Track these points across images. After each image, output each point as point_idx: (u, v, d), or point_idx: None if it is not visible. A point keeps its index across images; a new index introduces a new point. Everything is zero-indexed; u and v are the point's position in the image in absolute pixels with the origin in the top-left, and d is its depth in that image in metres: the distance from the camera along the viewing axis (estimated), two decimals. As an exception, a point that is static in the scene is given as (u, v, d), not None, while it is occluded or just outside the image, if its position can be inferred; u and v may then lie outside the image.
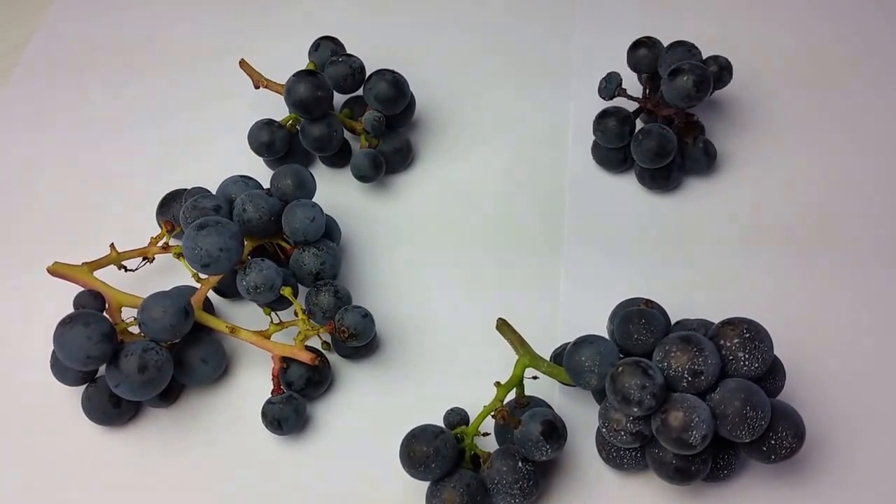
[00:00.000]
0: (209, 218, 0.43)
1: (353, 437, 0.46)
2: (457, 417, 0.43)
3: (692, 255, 0.51)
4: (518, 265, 0.52)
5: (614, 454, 0.42)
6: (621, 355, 0.41)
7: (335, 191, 0.56)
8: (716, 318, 0.41)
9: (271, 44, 0.64)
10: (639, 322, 0.40)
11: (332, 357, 0.48)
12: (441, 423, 0.43)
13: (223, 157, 0.57)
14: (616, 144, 0.52)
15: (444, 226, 0.54)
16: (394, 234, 0.54)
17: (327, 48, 0.56)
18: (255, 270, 0.44)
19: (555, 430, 0.40)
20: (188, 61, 0.64)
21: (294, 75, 0.51)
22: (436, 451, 0.39)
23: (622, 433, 0.39)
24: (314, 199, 0.49)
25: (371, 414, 0.46)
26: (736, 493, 0.43)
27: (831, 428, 0.44)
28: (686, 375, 0.37)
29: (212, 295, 0.50)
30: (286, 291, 0.44)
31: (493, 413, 0.41)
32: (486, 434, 0.43)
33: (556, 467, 0.44)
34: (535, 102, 0.59)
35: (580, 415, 0.45)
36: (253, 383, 0.47)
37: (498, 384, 0.42)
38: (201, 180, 0.51)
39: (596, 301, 0.46)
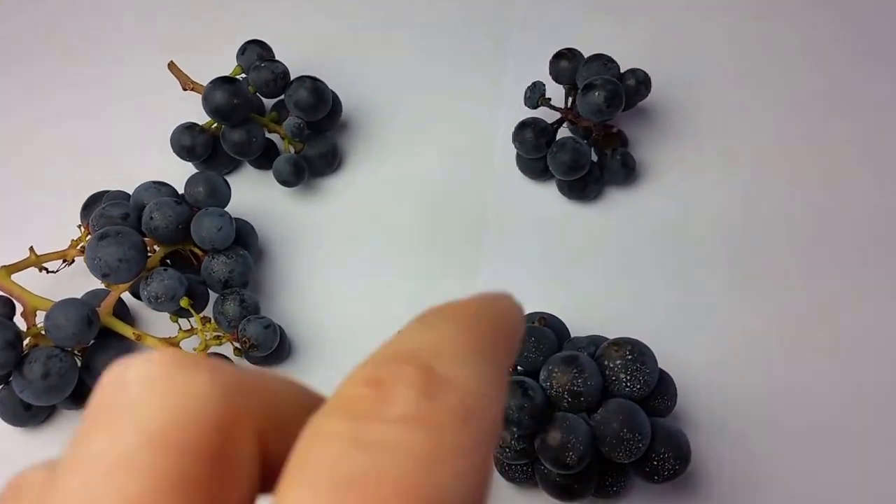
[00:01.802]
0: (110, 228, 0.44)
1: None
2: None
3: (607, 266, 0.52)
4: (437, 273, 0.52)
5: (507, 468, 0.43)
6: (520, 369, 0.42)
7: (261, 193, 0.57)
8: (624, 332, 0.42)
9: (207, 44, 0.64)
10: (528, 340, 0.41)
11: (242, 363, 0.49)
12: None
13: (156, 158, 0.57)
14: (534, 155, 0.53)
15: (366, 231, 0.54)
16: (317, 239, 0.54)
17: (254, 52, 0.56)
18: (157, 280, 0.45)
19: None
20: (125, 59, 0.65)
21: (211, 82, 0.52)
22: None
23: (507, 450, 0.40)
24: (230, 205, 0.50)
25: None
26: None
27: (727, 447, 0.45)
28: (566, 396, 0.38)
29: (129, 297, 0.51)
30: (184, 303, 0.45)
31: None
32: None
33: None
34: (466, 108, 0.60)
35: None
36: (164, 388, 0.48)
37: None
38: (135, 181, 0.51)
39: None
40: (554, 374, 0.39)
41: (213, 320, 0.47)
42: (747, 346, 0.48)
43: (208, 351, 0.46)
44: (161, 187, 0.49)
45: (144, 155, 0.59)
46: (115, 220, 0.46)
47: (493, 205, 0.55)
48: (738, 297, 0.50)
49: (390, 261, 0.53)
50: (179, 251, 0.50)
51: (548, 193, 0.55)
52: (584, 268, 0.52)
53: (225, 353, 0.48)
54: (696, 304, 0.50)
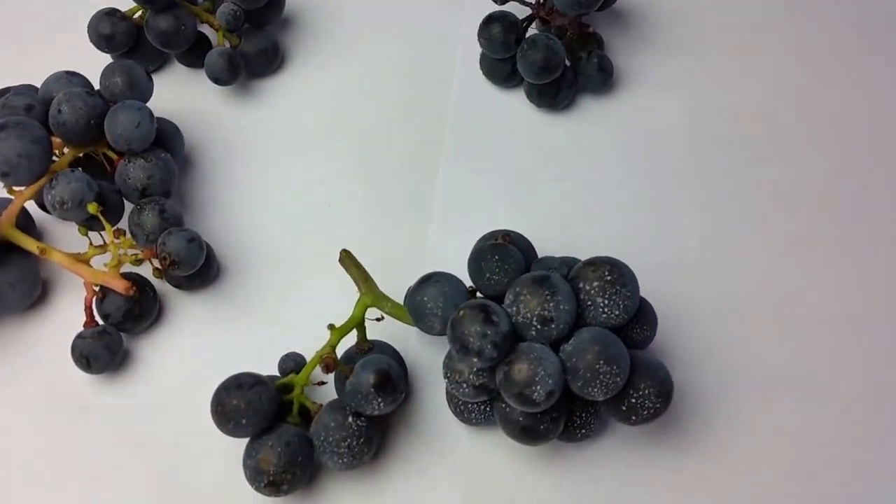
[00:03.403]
0: (10, 119, 0.39)
1: (179, 380, 0.42)
2: (291, 364, 0.40)
3: (578, 181, 0.48)
4: (389, 186, 0.48)
5: (462, 407, 0.39)
6: (480, 295, 0.38)
7: (191, 93, 0.51)
8: (595, 253, 0.37)
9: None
10: (492, 259, 0.37)
11: (164, 286, 0.44)
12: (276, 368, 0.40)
13: (73, 51, 0.51)
14: (502, 55, 0.48)
15: (309, 139, 0.50)
16: (253, 147, 0.49)
17: (184, -71, 0.50)
18: (63, 183, 0.39)
19: (388, 382, 0.36)
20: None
21: (131, -43, 0.45)
22: (248, 405, 0.36)
23: (465, 386, 0.36)
24: (154, 104, 0.44)
25: (202, 354, 0.43)
26: (596, 454, 0.40)
27: (708, 383, 0.42)
28: (535, 322, 0.34)
29: (36, 209, 0.45)
30: (92, 208, 0.40)
31: (319, 361, 0.37)
32: (322, 383, 0.40)
33: (402, 420, 0.41)
34: (424, 2, 0.54)
35: (436, 362, 0.41)
36: (75, 312, 0.43)
37: (332, 327, 0.38)
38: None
39: (470, 229, 0.42)
40: (522, 298, 0.34)
41: (128, 234, 0.41)
42: (732, 273, 0.45)
43: (122, 269, 0.40)
44: (73, 78, 0.44)
45: (60, 46, 0.53)
46: (17, 112, 0.41)
47: (453, 113, 0.50)
48: (722, 218, 0.46)
49: (336, 173, 0.48)
50: (92, 155, 0.44)
51: (514, 101, 0.51)
52: (553, 183, 0.48)
53: (143, 274, 0.43)
54: (676, 226, 0.46)
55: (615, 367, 0.34)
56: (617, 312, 0.35)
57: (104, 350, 0.40)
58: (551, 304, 0.34)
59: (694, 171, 0.48)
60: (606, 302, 0.35)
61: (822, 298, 0.44)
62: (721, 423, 0.41)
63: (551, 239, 0.43)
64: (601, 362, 0.34)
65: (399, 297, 0.39)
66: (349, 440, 0.36)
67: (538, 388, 0.33)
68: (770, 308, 0.44)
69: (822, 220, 0.46)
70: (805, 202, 0.47)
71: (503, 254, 0.37)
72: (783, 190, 0.47)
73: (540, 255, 0.41)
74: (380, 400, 0.36)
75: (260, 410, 0.36)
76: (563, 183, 0.48)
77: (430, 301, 0.36)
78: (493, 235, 0.40)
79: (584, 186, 0.48)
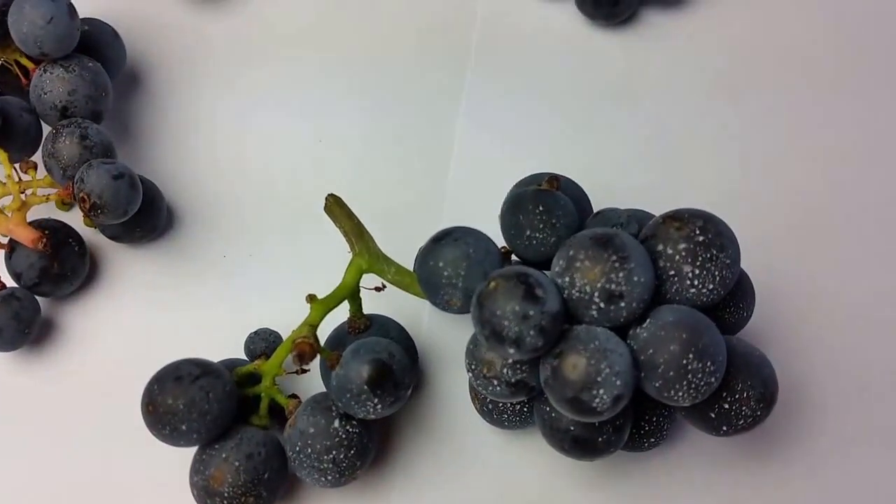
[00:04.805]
0: None
1: (116, 360, 0.37)
2: (262, 344, 0.34)
3: (640, 115, 0.42)
4: (397, 118, 0.42)
5: (490, 407, 0.32)
6: (516, 261, 0.32)
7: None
8: (659, 210, 0.31)
9: None
10: (534, 211, 0.30)
11: (98, 238, 0.38)
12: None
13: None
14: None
15: (294, 54, 0.43)
16: (220, 62, 0.43)
17: None
18: (-56, 95, 0.32)
19: (388, 377, 0.29)
20: None
21: None
22: (189, 405, 0.29)
23: (496, 382, 0.29)
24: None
25: (147, 328, 0.38)
26: (664, 465, 0.34)
27: (809, 380, 0.36)
28: (597, 299, 0.27)
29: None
30: None
31: (291, 346, 0.30)
32: (303, 371, 0.33)
33: (410, 419, 0.35)
34: None
35: (457, 345, 0.36)
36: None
37: (312, 299, 0.31)
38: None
39: (498, 174, 0.37)
40: (579, 264, 0.27)
41: (43, 167, 0.35)
42: (849, 237, 0.39)
43: (28, 215, 0.34)
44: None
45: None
46: None
47: (482, 23, 0.44)
48: (830, 162, 0.41)
49: (328, 99, 0.43)
50: (6, 65, 0.37)
51: (560, 12, 0.44)
52: (609, 119, 0.42)
53: (71, 223, 0.37)
54: (766, 172, 0.41)
55: (709, 363, 0.27)
56: (711, 286, 0.28)
57: (11, 320, 0.34)
58: (621, 274, 0.27)
59: (789, 97, 0.42)
60: (696, 271, 0.28)
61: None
62: (821, 431, 0.36)
63: (604, 189, 0.37)
64: (690, 356, 0.27)
65: (407, 260, 0.33)
66: (334, 452, 0.30)
67: (600, 391, 0.26)
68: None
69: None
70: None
71: (550, 203, 0.30)
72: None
73: (596, 209, 0.34)
74: (376, 401, 0.29)
75: (206, 413, 0.29)
76: (617, 116, 0.42)
77: (447, 267, 0.29)
78: (535, 179, 0.33)
79: (643, 120, 0.42)
